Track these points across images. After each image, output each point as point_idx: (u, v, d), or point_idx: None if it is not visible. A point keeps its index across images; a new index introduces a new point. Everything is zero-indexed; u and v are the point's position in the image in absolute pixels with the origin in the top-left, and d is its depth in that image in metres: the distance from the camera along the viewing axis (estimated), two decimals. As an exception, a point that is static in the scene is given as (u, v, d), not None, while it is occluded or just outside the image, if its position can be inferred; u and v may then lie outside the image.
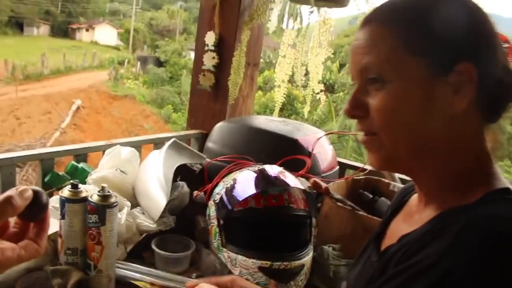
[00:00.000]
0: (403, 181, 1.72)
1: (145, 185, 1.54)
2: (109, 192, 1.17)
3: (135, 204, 1.54)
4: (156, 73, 25.41)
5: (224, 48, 2.28)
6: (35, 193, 0.64)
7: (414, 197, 0.83)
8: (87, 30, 42.61)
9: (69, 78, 24.17)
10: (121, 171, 1.61)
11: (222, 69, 2.28)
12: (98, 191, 1.17)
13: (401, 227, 0.79)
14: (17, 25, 39.83)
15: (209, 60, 2.28)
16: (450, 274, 0.53)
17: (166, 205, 1.44)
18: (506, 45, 0.67)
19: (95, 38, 41.01)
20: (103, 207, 1.14)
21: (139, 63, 28.54)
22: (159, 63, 27.87)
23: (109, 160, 1.67)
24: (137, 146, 1.93)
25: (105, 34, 40.89)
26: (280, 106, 2.32)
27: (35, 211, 0.65)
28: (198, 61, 2.34)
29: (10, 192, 0.60)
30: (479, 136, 0.69)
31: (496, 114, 0.69)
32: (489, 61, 0.65)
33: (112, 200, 1.16)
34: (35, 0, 42.12)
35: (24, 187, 0.63)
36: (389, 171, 0.84)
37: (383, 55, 0.68)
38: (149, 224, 1.43)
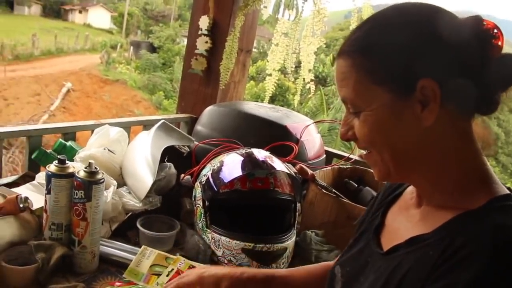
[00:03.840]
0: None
1: (132, 164, 1.55)
2: (96, 168, 1.17)
3: (122, 183, 1.55)
4: (148, 59, 25.20)
5: (217, 33, 2.27)
6: None
7: (409, 190, 0.85)
8: (80, 12, 42.05)
9: (60, 60, 23.86)
10: (109, 150, 1.62)
11: (214, 54, 2.28)
12: (85, 167, 1.17)
13: (400, 221, 0.81)
14: (7, 3, 39.16)
15: (202, 44, 2.28)
16: None
17: (153, 185, 1.45)
18: (495, 30, 0.68)
19: (88, 20, 40.49)
20: (89, 183, 1.14)
21: (132, 48, 28.29)
22: (153, 49, 27.63)
23: (98, 139, 1.67)
24: (126, 127, 1.93)
25: (99, 17, 40.40)
26: (271, 95, 2.33)
27: None
28: (191, 45, 2.34)
29: None
30: (466, 137, 0.71)
31: (480, 110, 0.72)
32: (448, 70, 0.67)
33: (99, 176, 1.17)
34: (28, -21, 41.47)
35: None
36: (392, 181, 0.86)
37: (351, 88, 0.73)
38: (134, 203, 1.44)
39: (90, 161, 1.18)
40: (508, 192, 0.69)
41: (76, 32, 29.84)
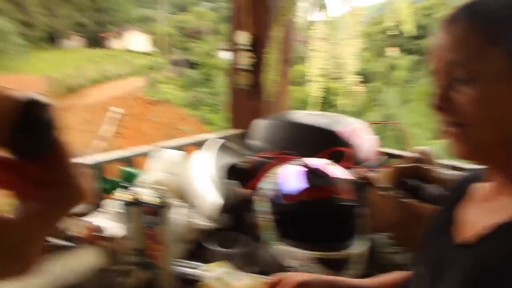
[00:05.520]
0: (454, 169, 1.72)
1: (196, 185, 1.61)
2: (164, 193, 1.24)
3: (188, 204, 1.61)
4: (189, 76, 25.75)
5: (258, 47, 2.32)
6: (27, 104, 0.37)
7: (479, 186, 0.84)
8: (118, 38, 43.49)
9: (106, 86, 24.75)
10: (170, 173, 1.69)
11: (257, 67, 2.32)
12: (154, 193, 1.24)
13: (475, 215, 0.80)
14: (52, 39, 41.12)
15: (244, 59, 2.34)
16: None
17: (220, 204, 1.50)
18: None
19: (127, 45, 41.82)
20: (161, 208, 1.21)
21: (172, 67, 28.97)
22: (192, 66, 28.19)
23: (158, 163, 1.75)
24: (181, 148, 2.00)
25: (136, 40, 41.62)
26: (318, 101, 2.35)
27: (31, 135, 0.37)
28: (234, 61, 2.40)
29: None
30: None
31: None
32: None
33: (167, 201, 1.23)
34: (67, 13, 43.35)
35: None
36: (474, 161, 0.83)
37: (472, 53, 0.69)
38: (205, 223, 1.50)
39: (157, 186, 1.25)
40: None
41: (117, 58, 30.90)
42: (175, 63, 29.95)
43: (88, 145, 16.72)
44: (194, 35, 39.32)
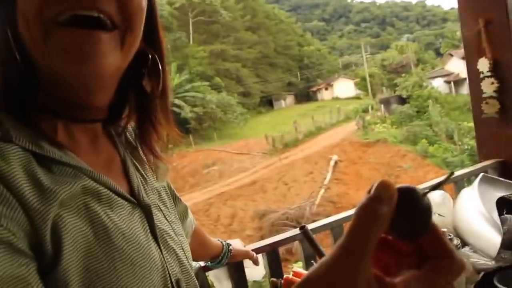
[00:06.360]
0: None
1: (469, 223, 1.57)
2: (450, 235, 1.25)
3: (461, 244, 1.58)
4: (401, 111, 25.26)
5: (500, 71, 2.19)
6: (402, 192, 0.42)
7: None
8: (326, 89, 45.55)
9: (321, 137, 25.95)
10: (438, 214, 1.68)
11: (504, 93, 2.19)
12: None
13: None
14: (268, 102, 45.34)
15: (488, 86, 2.22)
16: None
17: (498, 240, 1.43)
18: None
19: (335, 94, 43.44)
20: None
21: (382, 106, 28.88)
22: (402, 101, 27.63)
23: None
24: (439, 188, 1.98)
25: (343, 87, 42.95)
26: None
27: (413, 220, 0.42)
28: (475, 90, 2.30)
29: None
30: None
31: None
32: None
33: (455, 242, 1.24)
34: (277, 77, 47.49)
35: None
36: None
37: None
38: (486, 262, 1.44)
39: (443, 229, 1.26)
40: None
41: (328, 108, 32.25)
42: (384, 101, 29.79)
43: (312, 194, 17.54)
44: (399, 69, 38.74)
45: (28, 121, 0.58)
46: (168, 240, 0.72)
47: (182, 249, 0.75)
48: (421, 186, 1.95)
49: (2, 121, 0.55)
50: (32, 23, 0.55)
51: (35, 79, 0.59)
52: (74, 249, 0.53)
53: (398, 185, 0.42)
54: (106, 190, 0.62)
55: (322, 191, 18.31)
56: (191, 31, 42.71)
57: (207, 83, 33.33)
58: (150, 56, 0.69)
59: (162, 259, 0.67)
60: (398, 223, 0.42)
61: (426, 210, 0.42)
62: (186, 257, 0.76)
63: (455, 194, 1.98)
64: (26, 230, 0.49)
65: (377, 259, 0.44)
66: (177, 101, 28.60)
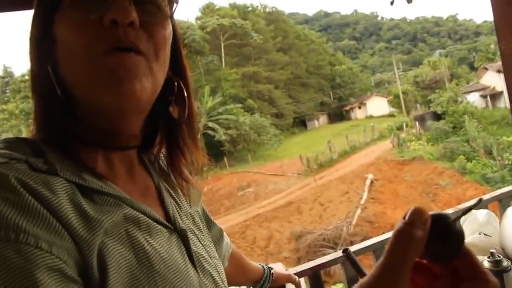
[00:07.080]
0: None
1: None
2: (499, 256, 1.23)
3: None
4: (437, 128, 24.79)
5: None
6: (435, 218, 0.46)
7: None
8: (359, 107, 45.19)
9: (356, 156, 25.66)
10: (485, 234, 1.66)
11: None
12: (488, 257, 1.24)
13: None
14: (301, 123, 45.30)
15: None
16: None
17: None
18: None
19: (368, 112, 43.03)
20: (497, 273, 1.20)
21: (417, 123, 28.41)
22: (437, 117, 27.14)
23: (468, 226, 1.74)
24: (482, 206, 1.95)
25: (377, 105, 42.51)
26: None
27: (446, 244, 0.46)
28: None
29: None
30: None
31: None
32: None
33: (505, 264, 1.22)
34: (310, 97, 47.51)
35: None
36: None
37: None
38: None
39: (491, 250, 1.25)
40: None
41: (362, 127, 31.94)
42: (419, 118, 29.33)
43: (349, 214, 17.30)
44: (432, 85, 38.14)
45: (70, 153, 0.62)
46: (204, 263, 0.75)
47: (217, 271, 0.78)
48: (459, 206, 1.93)
49: (46, 153, 0.59)
50: (80, 60, 0.60)
51: (74, 112, 0.64)
52: (118, 275, 0.56)
53: (430, 212, 0.47)
54: (144, 217, 0.66)
55: (359, 211, 18.05)
56: (223, 54, 43.34)
57: (240, 105, 33.60)
58: (176, 83, 0.73)
59: (200, 282, 0.70)
60: (432, 247, 0.46)
61: (457, 234, 0.46)
62: (221, 280, 0.79)
63: (500, 213, 1.95)
64: (75, 257, 0.52)
65: (412, 281, 0.47)
66: (211, 124, 28.96)
